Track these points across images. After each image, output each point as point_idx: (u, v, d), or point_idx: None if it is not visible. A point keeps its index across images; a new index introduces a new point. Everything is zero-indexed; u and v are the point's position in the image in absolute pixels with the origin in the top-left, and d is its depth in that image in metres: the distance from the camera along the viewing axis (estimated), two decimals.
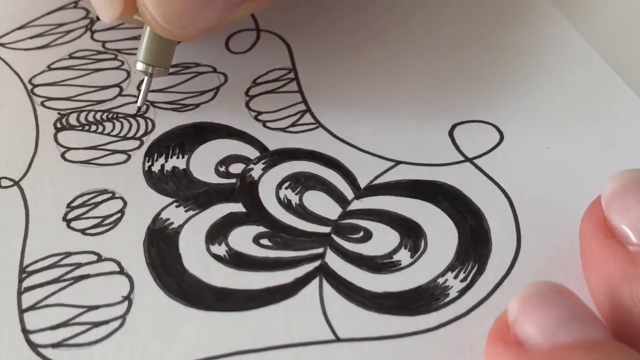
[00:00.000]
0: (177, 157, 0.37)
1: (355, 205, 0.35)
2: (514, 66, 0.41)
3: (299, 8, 0.44)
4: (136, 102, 0.39)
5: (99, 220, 0.35)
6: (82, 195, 0.36)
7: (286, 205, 0.35)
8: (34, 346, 0.31)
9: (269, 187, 0.36)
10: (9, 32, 0.43)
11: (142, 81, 0.38)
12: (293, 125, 0.38)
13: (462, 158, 0.37)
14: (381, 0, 0.44)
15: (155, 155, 0.37)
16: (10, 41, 0.42)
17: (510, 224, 0.34)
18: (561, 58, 0.41)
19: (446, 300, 0.32)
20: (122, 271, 0.33)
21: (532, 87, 0.40)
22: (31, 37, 0.42)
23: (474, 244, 0.34)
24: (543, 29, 0.43)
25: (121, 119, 0.38)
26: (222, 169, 0.37)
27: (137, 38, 0.41)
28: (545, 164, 0.36)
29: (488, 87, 0.40)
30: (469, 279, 0.33)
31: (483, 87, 0.40)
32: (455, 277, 0.33)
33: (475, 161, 0.37)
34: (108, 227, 0.35)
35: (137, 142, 0.38)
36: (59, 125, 0.38)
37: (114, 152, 0.37)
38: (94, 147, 0.37)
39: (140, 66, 0.37)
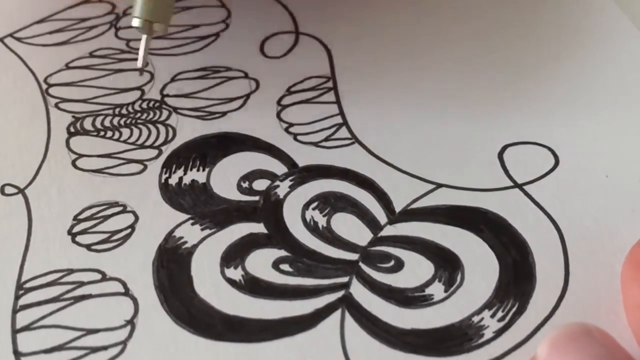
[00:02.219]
0: (197, 170, 0.37)
1: (388, 231, 0.35)
2: (577, 84, 0.40)
3: (343, 10, 0.44)
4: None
5: (106, 235, 0.35)
6: (90, 207, 0.36)
7: (312, 227, 0.35)
8: None
9: (295, 207, 0.36)
10: (27, 25, 0.43)
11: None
12: (327, 139, 0.38)
13: (510, 183, 0.37)
14: (431, 7, 0.44)
15: (174, 166, 0.37)
16: (27, 36, 0.43)
17: (559, 260, 0.34)
18: (632, 78, 0.41)
19: (480, 341, 0.32)
20: (127, 292, 0.33)
21: (596, 107, 0.39)
22: (50, 32, 0.43)
23: (516, 279, 0.33)
24: (614, 43, 0.42)
25: (140, 125, 0.39)
26: (245, 184, 0.37)
27: (164, 37, 0.42)
28: (602, 194, 0.36)
29: (545, 105, 0.39)
30: (507, 318, 0.32)
31: (539, 105, 0.39)
32: (492, 315, 0.32)
33: (525, 187, 0.36)
34: (116, 243, 0.35)
35: (155, 152, 0.38)
36: (72, 130, 0.39)
37: (129, 161, 0.38)
38: (108, 155, 0.38)
39: (137, 22, 0.36)
